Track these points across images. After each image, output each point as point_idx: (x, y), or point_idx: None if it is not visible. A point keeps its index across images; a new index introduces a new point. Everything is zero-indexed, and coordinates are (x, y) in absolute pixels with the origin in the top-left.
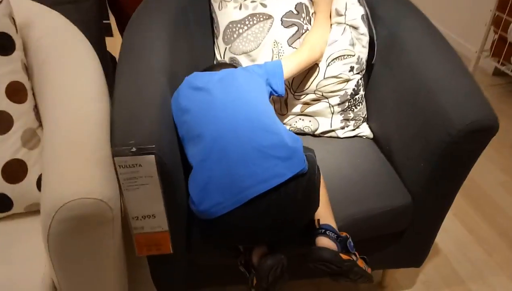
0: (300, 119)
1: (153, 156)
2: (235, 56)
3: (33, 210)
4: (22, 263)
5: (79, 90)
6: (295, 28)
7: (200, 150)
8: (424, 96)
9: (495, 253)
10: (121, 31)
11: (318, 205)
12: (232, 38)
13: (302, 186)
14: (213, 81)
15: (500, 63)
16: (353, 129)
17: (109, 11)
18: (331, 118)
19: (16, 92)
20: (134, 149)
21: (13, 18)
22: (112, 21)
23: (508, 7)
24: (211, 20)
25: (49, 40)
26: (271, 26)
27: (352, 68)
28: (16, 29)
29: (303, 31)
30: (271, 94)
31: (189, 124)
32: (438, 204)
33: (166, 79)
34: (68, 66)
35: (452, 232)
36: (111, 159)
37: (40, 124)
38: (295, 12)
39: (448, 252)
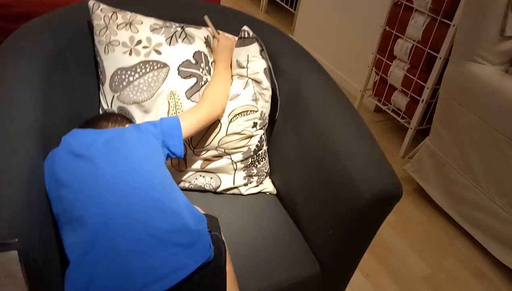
0: (200, 176)
1: (16, 251)
2: (125, 106)
3: None
4: None
5: None
6: (193, 80)
7: (80, 239)
8: (330, 159)
9: None
10: None
11: None
12: (121, 86)
13: (208, 278)
14: (97, 145)
15: (381, 102)
16: (257, 186)
17: None
18: (234, 175)
19: None
20: None
21: None
22: None
23: (387, 51)
24: (96, 65)
25: None
26: (166, 75)
27: (255, 124)
28: None
29: (202, 82)
30: (168, 156)
31: (66, 202)
32: (344, 271)
33: (36, 142)
34: None
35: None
36: None
37: None
38: (193, 61)
39: None
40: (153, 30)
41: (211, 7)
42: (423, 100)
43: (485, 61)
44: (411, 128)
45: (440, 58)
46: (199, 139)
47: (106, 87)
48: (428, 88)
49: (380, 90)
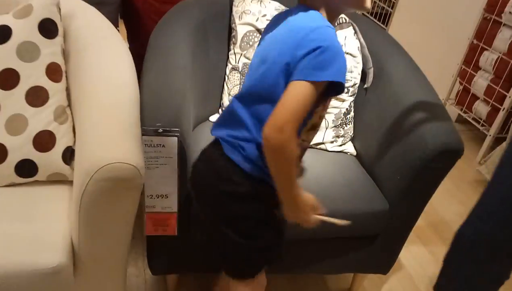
0: None
1: (176, 138)
2: (248, 61)
3: (53, 179)
4: (44, 222)
5: (113, 75)
6: None
7: None
8: (405, 122)
9: None
10: (130, 39)
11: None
12: (248, 45)
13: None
14: None
15: (463, 111)
16: (340, 145)
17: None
18: (324, 132)
19: (54, 72)
20: (160, 130)
21: (59, 8)
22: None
23: (473, 62)
24: (229, 32)
25: (88, 31)
26: None
27: (348, 90)
28: (60, 18)
29: None
30: None
31: None
32: (409, 214)
33: (188, 75)
34: (104, 54)
35: (414, 252)
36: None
37: (69, 104)
38: None
39: (410, 268)
40: (276, 10)
41: None
42: (504, 108)
43: None
44: (490, 135)
45: None
46: None
47: (237, 47)
48: (510, 97)
49: (462, 99)
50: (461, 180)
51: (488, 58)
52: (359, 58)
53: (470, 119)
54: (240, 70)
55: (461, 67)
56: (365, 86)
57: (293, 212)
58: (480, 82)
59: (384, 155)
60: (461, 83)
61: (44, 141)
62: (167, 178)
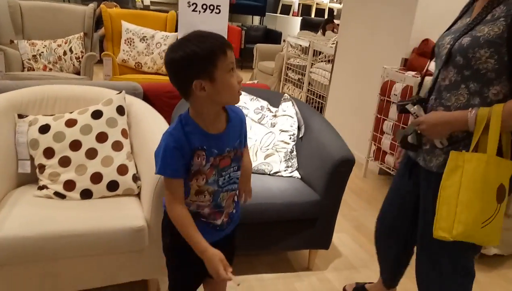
0: (262, 164)
1: None
2: None
3: (126, 193)
4: (128, 210)
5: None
6: (260, 114)
7: None
8: (321, 150)
9: (374, 256)
10: None
11: None
12: None
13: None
14: None
15: (380, 164)
16: (290, 172)
17: None
18: (279, 164)
19: (124, 133)
20: None
21: (124, 100)
22: None
23: (379, 129)
24: None
25: (140, 111)
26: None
27: (291, 137)
28: (125, 105)
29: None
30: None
31: None
32: (332, 202)
33: None
34: (150, 123)
35: (348, 245)
36: None
37: (131, 151)
38: (259, 108)
39: (347, 254)
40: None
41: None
42: None
43: None
44: None
45: None
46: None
47: None
48: None
49: (377, 155)
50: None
51: (387, 125)
52: (295, 119)
53: (384, 168)
54: None
55: (373, 134)
56: (300, 135)
57: (206, 264)
58: (386, 142)
59: (312, 169)
60: (375, 145)
61: (122, 170)
62: None
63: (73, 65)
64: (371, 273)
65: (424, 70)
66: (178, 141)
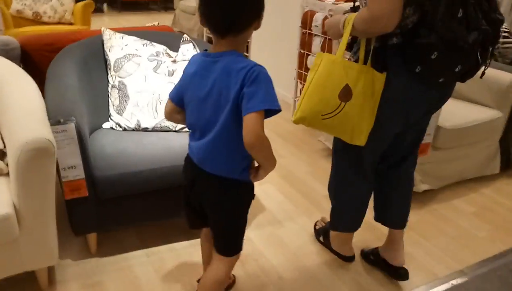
0: (165, 120)
1: (73, 124)
2: (122, 79)
3: None
4: None
5: (25, 95)
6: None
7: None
8: None
9: (300, 206)
10: None
11: None
12: (119, 68)
13: None
14: None
15: None
16: None
17: None
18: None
19: None
20: (62, 120)
21: None
22: None
23: (304, 65)
24: (105, 60)
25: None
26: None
27: None
28: None
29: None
30: None
31: None
32: None
33: (76, 90)
34: (17, 84)
35: (274, 197)
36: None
37: None
38: (155, 54)
39: (271, 207)
40: (134, 40)
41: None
42: None
43: None
44: None
45: None
46: None
47: (112, 70)
48: None
49: None
50: (310, 150)
51: (312, 60)
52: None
53: None
54: (117, 87)
55: (297, 71)
56: None
57: (267, 173)
58: None
59: None
60: (301, 83)
61: None
62: (73, 153)
63: None
64: (296, 226)
65: None
66: None
